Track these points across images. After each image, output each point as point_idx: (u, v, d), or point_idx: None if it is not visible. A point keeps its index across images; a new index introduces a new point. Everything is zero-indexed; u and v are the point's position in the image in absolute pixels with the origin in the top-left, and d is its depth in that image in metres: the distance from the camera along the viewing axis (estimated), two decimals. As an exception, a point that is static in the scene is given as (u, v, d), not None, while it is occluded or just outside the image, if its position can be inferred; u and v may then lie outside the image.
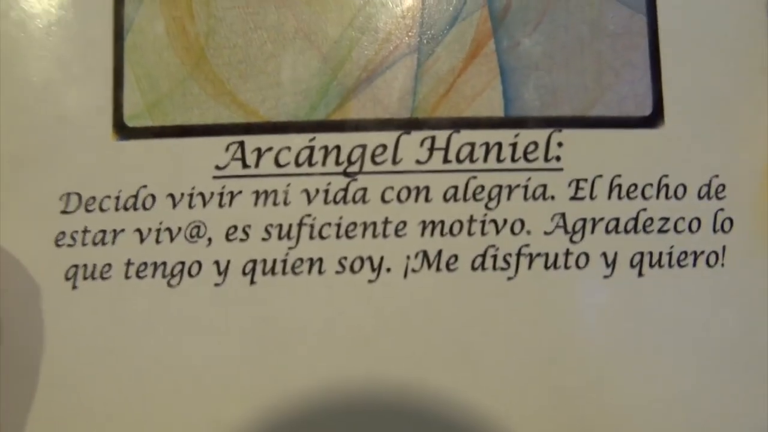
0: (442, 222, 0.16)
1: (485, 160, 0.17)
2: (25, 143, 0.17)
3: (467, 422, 0.16)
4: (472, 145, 0.17)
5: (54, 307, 0.16)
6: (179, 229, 0.16)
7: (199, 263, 0.16)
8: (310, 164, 0.17)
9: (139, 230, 0.16)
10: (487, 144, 0.17)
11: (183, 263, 0.16)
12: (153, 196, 0.17)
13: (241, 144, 0.17)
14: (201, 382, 0.16)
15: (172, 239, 0.16)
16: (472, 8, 0.17)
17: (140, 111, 0.17)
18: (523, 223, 0.16)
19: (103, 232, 0.17)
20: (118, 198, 0.17)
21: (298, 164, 0.17)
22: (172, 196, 0.16)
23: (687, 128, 0.17)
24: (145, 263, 0.16)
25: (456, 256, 0.16)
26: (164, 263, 0.16)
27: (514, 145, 0.17)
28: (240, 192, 0.16)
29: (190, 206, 0.16)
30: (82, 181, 0.17)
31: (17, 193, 0.17)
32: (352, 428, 0.16)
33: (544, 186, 0.16)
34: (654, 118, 0.17)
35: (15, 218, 0.17)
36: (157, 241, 0.16)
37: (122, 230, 0.16)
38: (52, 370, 0.16)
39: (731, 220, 0.17)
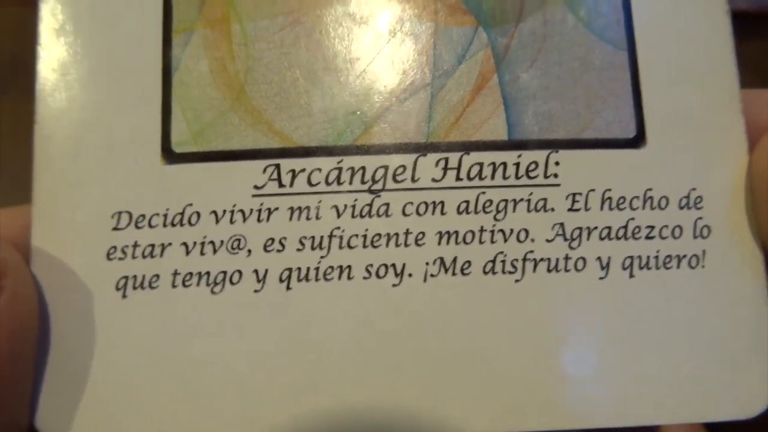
0: (457, 232, 0.18)
1: (492, 177, 0.18)
2: (80, 168, 0.18)
3: (481, 411, 0.18)
4: (481, 165, 0.19)
5: (105, 315, 0.18)
6: (221, 242, 0.18)
7: (240, 272, 0.18)
8: (339, 183, 0.18)
9: (185, 244, 0.18)
10: (493, 164, 0.19)
11: (225, 272, 0.18)
12: (198, 213, 0.18)
13: (277, 166, 0.18)
14: (242, 382, 0.18)
15: (215, 251, 0.18)
16: (477, 48, 0.19)
17: (186, 138, 0.19)
18: (527, 232, 0.18)
19: (152, 246, 0.18)
20: (165, 215, 0.18)
21: (328, 183, 0.18)
22: (215, 213, 0.18)
23: (667, 148, 0.19)
24: (191, 273, 0.18)
25: (469, 262, 0.18)
26: (208, 273, 0.18)
27: (517, 165, 0.19)
28: (276, 208, 0.18)
29: (231, 221, 0.18)
30: (132, 201, 0.18)
31: (72, 212, 0.18)
32: (381, 419, 0.18)
33: (545, 199, 0.18)
34: (637, 140, 0.19)
35: (70, 234, 0.18)
36: (202, 253, 0.18)
37: (169, 244, 0.18)
38: (102, 374, 0.18)
39: (709, 228, 0.18)
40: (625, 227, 0.18)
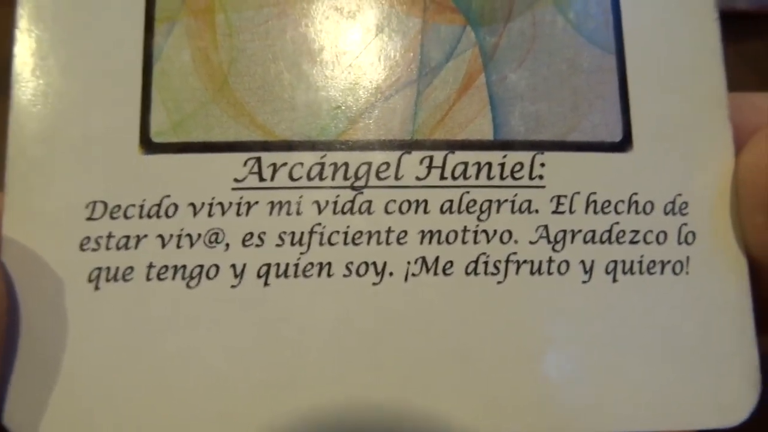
0: (439, 232, 0.18)
1: (477, 177, 0.18)
2: (55, 156, 0.18)
3: (461, 412, 0.17)
4: (466, 164, 0.18)
5: (77, 308, 0.17)
6: (199, 235, 0.18)
7: (217, 267, 0.18)
8: (321, 179, 0.18)
9: (161, 236, 0.18)
10: (478, 164, 0.18)
11: (202, 266, 0.18)
12: (175, 205, 0.18)
13: (258, 160, 0.18)
14: (218, 378, 0.17)
15: (192, 244, 0.18)
16: (465, 47, 0.19)
17: (166, 129, 0.18)
18: (510, 233, 0.18)
19: (127, 237, 0.18)
20: (142, 206, 0.18)
21: (309, 178, 0.18)
22: (193, 205, 0.18)
23: (653, 153, 0.19)
24: (166, 266, 0.18)
25: (451, 262, 0.18)
26: (184, 266, 0.18)
27: (502, 165, 0.18)
28: (256, 202, 0.18)
29: (209, 215, 0.18)
30: (108, 190, 0.18)
31: (45, 200, 0.18)
32: (359, 418, 0.17)
33: (529, 201, 0.18)
34: (624, 144, 0.19)
35: (42, 223, 0.18)
36: (178, 246, 0.18)
37: (145, 236, 0.18)
38: (73, 367, 0.17)
39: (694, 234, 0.18)
40: (610, 231, 0.18)
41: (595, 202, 0.18)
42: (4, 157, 0.18)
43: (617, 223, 0.18)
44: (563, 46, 0.19)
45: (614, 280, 0.18)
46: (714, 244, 0.18)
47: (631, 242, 0.18)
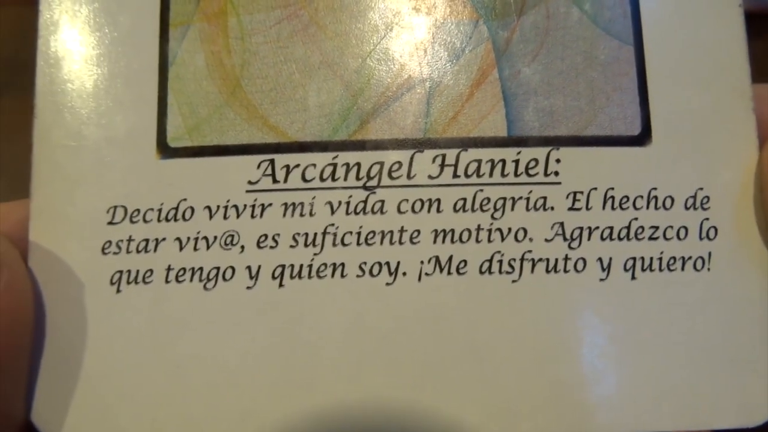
0: (453, 230, 0.18)
1: (491, 175, 0.18)
2: (78, 162, 0.18)
3: (476, 412, 0.17)
4: (479, 161, 0.18)
5: (99, 310, 0.18)
6: (215, 237, 0.18)
7: (233, 268, 0.18)
8: (333, 179, 0.18)
9: (178, 239, 0.18)
10: (492, 161, 0.18)
11: (218, 268, 0.18)
12: (192, 209, 0.18)
13: (272, 162, 0.18)
14: (234, 377, 0.17)
15: (208, 247, 0.18)
16: (477, 42, 0.19)
17: (182, 133, 0.18)
18: (525, 231, 0.18)
19: (146, 240, 0.18)
20: (160, 210, 0.18)
21: (322, 179, 0.18)
22: (209, 208, 0.18)
23: (673, 146, 0.18)
24: (184, 269, 0.18)
25: (465, 261, 0.18)
26: (201, 268, 0.18)
27: (516, 162, 0.18)
28: (270, 204, 0.18)
29: (225, 217, 0.18)
30: (128, 195, 0.18)
31: (69, 206, 0.18)
32: (373, 417, 0.17)
33: (545, 198, 0.18)
34: (643, 137, 0.18)
35: (66, 228, 0.18)
36: (195, 249, 0.18)
37: (163, 239, 0.18)
38: (96, 366, 0.18)
39: (716, 229, 0.18)
40: (628, 227, 0.18)
41: (612, 197, 0.18)
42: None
43: (636, 218, 0.18)
44: (578, 38, 0.19)
45: (633, 277, 0.18)
46: (737, 240, 0.18)
47: (651, 238, 0.18)
